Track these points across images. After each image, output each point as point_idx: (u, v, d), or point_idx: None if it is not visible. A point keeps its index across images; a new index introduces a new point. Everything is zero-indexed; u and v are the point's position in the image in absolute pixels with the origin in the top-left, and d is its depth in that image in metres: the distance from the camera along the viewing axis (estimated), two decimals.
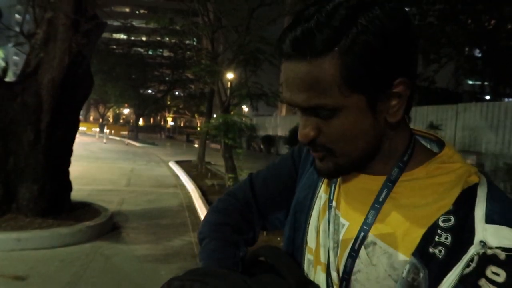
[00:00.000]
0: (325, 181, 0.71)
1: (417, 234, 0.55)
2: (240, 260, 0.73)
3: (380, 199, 0.60)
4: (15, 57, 54.70)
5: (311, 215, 0.70)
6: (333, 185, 0.68)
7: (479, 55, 16.21)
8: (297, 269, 0.67)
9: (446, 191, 0.57)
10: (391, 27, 0.54)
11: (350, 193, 0.65)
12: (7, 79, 5.35)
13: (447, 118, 11.20)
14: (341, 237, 0.63)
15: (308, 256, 0.69)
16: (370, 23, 0.53)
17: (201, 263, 0.73)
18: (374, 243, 0.59)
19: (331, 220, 0.65)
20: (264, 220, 0.83)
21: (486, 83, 18.43)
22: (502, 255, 0.49)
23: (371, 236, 0.59)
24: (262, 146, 23.02)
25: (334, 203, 0.66)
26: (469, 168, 0.59)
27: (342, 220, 0.65)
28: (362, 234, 0.60)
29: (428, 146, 0.66)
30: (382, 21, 0.53)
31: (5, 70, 5.51)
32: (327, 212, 0.67)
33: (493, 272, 0.48)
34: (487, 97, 18.09)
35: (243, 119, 9.14)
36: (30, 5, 5.49)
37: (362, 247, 0.60)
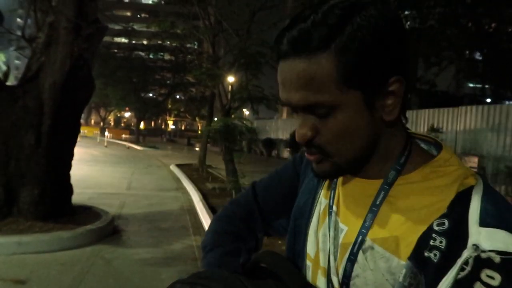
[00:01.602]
0: (325, 186, 0.71)
1: (413, 238, 0.55)
2: (241, 267, 0.73)
3: (377, 202, 0.60)
4: (16, 61, 54.91)
5: (311, 220, 0.70)
6: (333, 190, 0.68)
7: (480, 58, 16.22)
8: (298, 275, 0.66)
9: (441, 194, 0.56)
10: (385, 26, 0.55)
11: (348, 198, 0.66)
12: (8, 83, 5.37)
13: (448, 121, 11.19)
14: (340, 241, 0.63)
15: (307, 262, 0.70)
16: (365, 22, 0.54)
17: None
18: (372, 248, 0.59)
19: (331, 225, 0.66)
20: (267, 227, 0.84)
21: (486, 86, 18.44)
22: (497, 259, 0.48)
23: (368, 241, 0.59)
24: (263, 150, 23.02)
25: (334, 208, 0.67)
26: (465, 171, 0.59)
27: (341, 225, 0.65)
28: (360, 238, 0.60)
29: (427, 149, 0.66)
30: (377, 20, 0.54)
31: (6, 74, 5.53)
32: (327, 217, 0.67)
33: (488, 276, 0.48)
34: (488, 100, 18.10)
35: (244, 122, 9.13)
36: (32, 9, 5.51)
37: (360, 252, 0.60)
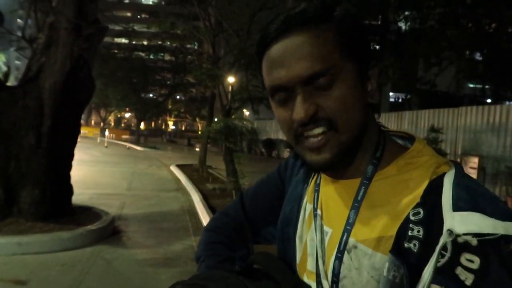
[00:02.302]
0: (309, 191, 0.72)
1: (393, 231, 0.56)
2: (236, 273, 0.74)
3: (359, 198, 0.61)
4: (17, 62, 54.91)
5: (297, 227, 0.71)
6: (316, 194, 0.69)
7: (480, 58, 16.22)
8: (290, 275, 0.67)
9: (416, 185, 0.57)
10: (359, 17, 0.63)
11: (329, 201, 0.67)
12: (9, 83, 5.38)
13: (448, 122, 11.18)
14: (326, 244, 0.64)
15: (296, 267, 0.70)
16: (349, 8, 0.62)
17: None
18: (355, 247, 0.59)
19: (317, 229, 0.66)
20: (256, 235, 0.85)
21: (487, 86, 18.43)
22: (474, 241, 0.49)
23: (351, 240, 0.60)
24: (263, 150, 23.02)
25: (319, 212, 0.67)
26: (437, 159, 0.59)
27: (325, 227, 0.66)
28: (344, 239, 0.61)
29: (402, 143, 0.67)
30: (354, 11, 0.62)
31: (7, 75, 5.54)
32: (313, 221, 0.68)
33: (467, 259, 0.49)
34: (488, 100, 18.09)
35: (244, 122, 9.13)
36: (32, 10, 5.52)
37: (345, 252, 0.60)
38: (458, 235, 0.49)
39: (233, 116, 9.59)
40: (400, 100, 25.34)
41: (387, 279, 0.54)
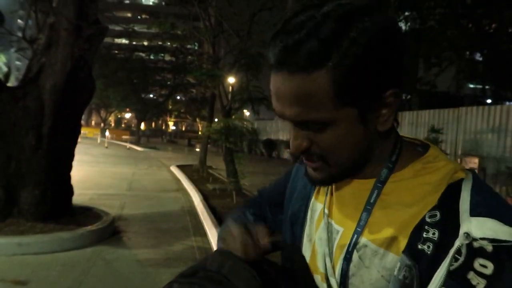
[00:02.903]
0: (320, 191, 0.72)
1: (406, 232, 0.56)
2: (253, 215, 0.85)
3: (371, 201, 0.61)
4: (17, 62, 54.95)
5: (305, 226, 0.72)
6: (326, 194, 0.70)
7: (480, 58, 16.22)
8: (310, 272, 0.68)
9: (433, 189, 0.57)
10: (382, 39, 0.53)
11: (342, 200, 0.67)
12: (9, 84, 5.38)
13: (449, 122, 11.18)
14: (336, 243, 0.64)
15: None
16: (361, 36, 0.52)
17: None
18: (366, 246, 0.60)
19: (325, 228, 0.67)
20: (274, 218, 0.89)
21: (487, 87, 18.43)
22: (489, 247, 0.49)
23: (363, 239, 0.60)
24: (263, 150, 23.02)
25: (326, 211, 0.68)
26: (454, 166, 0.60)
27: (336, 226, 0.66)
28: (355, 238, 0.61)
29: (417, 148, 0.67)
30: (373, 34, 0.52)
31: (7, 75, 5.55)
32: (322, 220, 0.68)
33: (481, 265, 0.49)
34: (488, 101, 18.08)
35: (245, 123, 9.13)
36: (33, 10, 5.54)
37: (355, 251, 0.61)
38: (474, 239, 0.50)
39: (233, 117, 9.59)
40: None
41: (398, 279, 0.54)
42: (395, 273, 0.55)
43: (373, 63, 0.53)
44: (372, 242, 0.59)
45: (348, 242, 0.62)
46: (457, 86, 18.77)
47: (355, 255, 0.60)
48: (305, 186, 0.76)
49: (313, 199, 0.73)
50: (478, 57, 16.40)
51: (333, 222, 0.66)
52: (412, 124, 12.33)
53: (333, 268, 0.63)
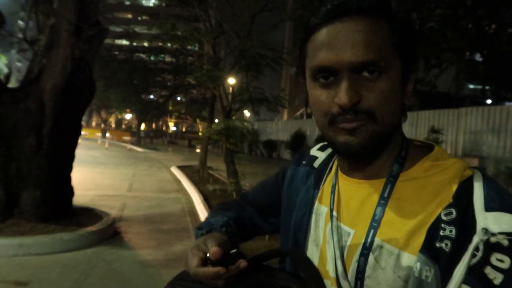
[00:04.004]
0: (323, 194, 0.72)
1: (422, 231, 0.56)
2: (231, 221, 0.82)
3: (385, 195, 0.62)
4: (18, 64, 55.00)
5: (310, 233, 0.72)
6: (332, 196, 0.69)
7: (480, 59, 16.22)
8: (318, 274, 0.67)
9: (445, 187, 0.58)
10: (411, 19, 0.64)
11: (351, 201, 0.66)
12: (10, 85, 5.39)
13: (449, 123, 11.19)
14: (347, 245, 0.64)
15: None
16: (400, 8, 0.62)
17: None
18: (381, 247, 0.59)
19: (334, 230, 0.66)
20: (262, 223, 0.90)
21: (487, 87, 18.42)
22: (505, 242, 0.50)
23: (377, 240, 0.60)
24: (263, 151, 23.02)
25: (335, 213, 0.67)
26: (463, 163, 0.61)
27: (346, 228, 0.65)
28: (369, 238, 0.61)
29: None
30: (406, 12, 0.63)
31: (8, 76, 5.55)
32: (329, 223, 0.68)
33: (497, 259, 0.50)
34: (489, 101, 18.07)
35: (245, 124, 9.14)
36: (33, 12, 5.54)
37: (370, 253, 0.60)
38: (493, 234, 0.51)
39: (233, 117, 9.60)
40: None
41: (420, 279, 0.54)
42: (416, 274, 0.55)
43: (412, 29, 0.63)
44: (387, 243, 0.59)
45: (363, 242, 0.61)
46: (457, 87, 18.78)
47: (370, 257, 0.60)
48: (308, 191, 0.75)
49: (316, 203, 0.72)
50: (478, 57, 16.39)
51: (342, 225, 0.66)
52: (412, 125, 12.34)
53: (345, 271, 0.63)
